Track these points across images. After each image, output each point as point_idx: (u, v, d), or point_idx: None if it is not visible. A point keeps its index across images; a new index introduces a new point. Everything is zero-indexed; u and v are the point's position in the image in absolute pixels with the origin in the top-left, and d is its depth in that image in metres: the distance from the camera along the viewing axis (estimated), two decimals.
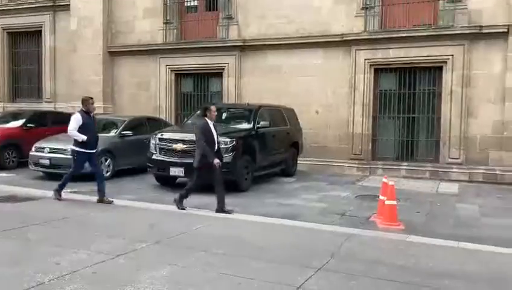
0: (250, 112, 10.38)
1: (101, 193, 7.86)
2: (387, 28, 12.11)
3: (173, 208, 7.55)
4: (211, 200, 7.86)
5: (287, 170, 11.47)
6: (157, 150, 9.55)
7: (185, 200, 7.54)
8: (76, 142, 7.73)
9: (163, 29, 14.54)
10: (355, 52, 12.31)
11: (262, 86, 13.25)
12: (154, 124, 11.98)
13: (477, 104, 11.36)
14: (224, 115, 10.60)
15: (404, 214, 7.54)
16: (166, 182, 9.85)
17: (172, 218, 7.01)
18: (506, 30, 10.89)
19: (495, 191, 10.22)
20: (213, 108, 7.65)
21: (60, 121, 14.34)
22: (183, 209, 7.42)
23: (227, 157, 8.88)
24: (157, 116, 13.88)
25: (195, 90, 14.61)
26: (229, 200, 8.50)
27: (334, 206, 8.33)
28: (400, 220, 7.00)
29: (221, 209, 7.36)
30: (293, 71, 13.02)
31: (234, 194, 8.98)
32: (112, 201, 7.84)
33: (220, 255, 5.15)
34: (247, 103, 11.35)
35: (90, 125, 7.77)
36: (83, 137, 7.62)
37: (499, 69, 11.13)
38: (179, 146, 9.19)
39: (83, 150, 7.75)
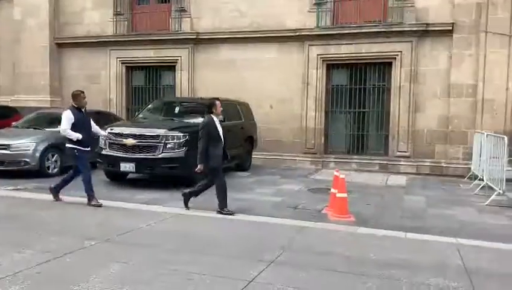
0: (203, 106, 10.23)
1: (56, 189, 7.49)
2: (339, 24, 12.35)
3: (124, 204, 7.38)
4: (162, 195, 7.75)
5: (242, 165, 11.47)
6: (107, 145, 9.28)
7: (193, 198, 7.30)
8: (71, 141, 7.17)
9: (113, 21, 14.14)
10: (308, 47, 12.46)
11: (216, 80, 13.16)
12: (104, 118, 11.60)
13: (424, 99, 11.78)
14: (177, 109, 10.45)
15: (355, 206, 7.72)
16: (117, 178, 9.60)
17: (122, 215, 6.83)
18: (450, 28, 11.34)
19: (440, 183, 10.66)
20: (218, 103, 7.23)
21: (4, 115, 13.64)
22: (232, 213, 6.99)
23: (180, 152, 8.78)
24: (108, 110, 13.50)
25: (147, 83, 14.33)
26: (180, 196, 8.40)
27: (288, 199, 8.41)
28: (350, 212, 7.16)
29: (221, 210, 7.03)
30: (247, 65, 13.01)
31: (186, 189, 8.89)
32: (101, 204, 7.25)
33: (172, 251, 5.08)
34: (201, 97, 11.25)
35: (83, 122, 7.26)
36: (77, 135, 7.06)
37: (445, 65, 11.59)
38: (130, 141, 8.97)
39: (80, 148, 7.17)
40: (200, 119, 9.89)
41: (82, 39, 14.55)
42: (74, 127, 7.10)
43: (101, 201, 7.33)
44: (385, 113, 12.27)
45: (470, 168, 10.78)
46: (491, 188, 8.79)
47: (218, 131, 7.08)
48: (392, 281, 4.40)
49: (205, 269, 4.49)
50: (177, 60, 13.63)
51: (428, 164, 11.76)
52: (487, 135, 9.47)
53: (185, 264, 4.65)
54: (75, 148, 7.16)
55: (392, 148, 12.07)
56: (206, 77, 13.43)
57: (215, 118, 7.13)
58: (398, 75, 11.84)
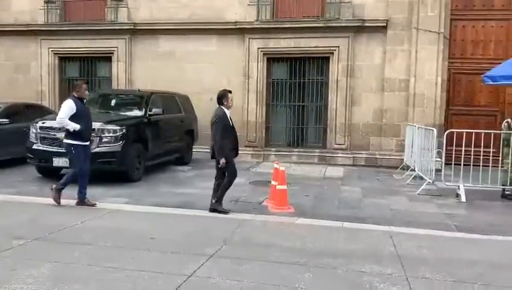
0: (141, 99, 10.01)
1: (82, 193, 6.87)
2: (279, 18, 12.44)
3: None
4: (98, 191, 7.48)
5: (182, 159, 11.32)
6: (39, 139, 8.80)
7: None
8: (70, 134, 6.64)
9: (44, 9, 13.41)
10: (249, 40, 12.47)
11: (155, 72, 12.86)
12: (34, 111, 11.02)
13: (360, 93, 12.17)
14: (113, 102, 10.13)
15: (295, 198, 7.85)
16: (49, 174, 9.15)
17: (55, 212, 6.52)
18: (385, 24, 11.76)
19: (375, 173, 11.08)
20: (230, 95, 6.80)
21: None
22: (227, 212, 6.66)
23: (116, 147, 8.51)
24: (40, 102, 12.81)
25: (82, 75, 13.72)
26: (120, 191, 8.18)
27: (229, 193, 8.33)
28: (290, 203, 7.27)
29: (215, 208, 6.69)
30: (187, 57, 12.82)
31: (125, 184, 8.65)
32: (95, 204, 6.86)
33: (108, 249, 4.91)
34: (138, 89, 10.94)
35: (85, 114, 6.81)
36: (75, 126, 6.54)
37: (379, 60, 12.01)
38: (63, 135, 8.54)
39: (78, 143, 6.67)
40: (137, 112, 9.72)
41: (9, 27, 13.68)
42: (74, 118, 6.60)
43: (28, 197, 6.96)
44: (323, 106, 12.55)
45: (402, 159, 11.27)
46: (421, 177, 9.24)
47: (231, 123, 6.75)
48: (329, 269, 4.51)
49: (143, 266, 4.38)
50: (114, 51, 13.17)
51: (364, 155, 12.18)
52: (418, 128, 9.95)
53: (122, 261, 4.51)
54: (73, 145, 6.66)
55: (330, 141, 12.39)
56: (144, 69, 13.09)
57: (226, 111, 6.72)
58: (336, 70, 12.13)
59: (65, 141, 6.81)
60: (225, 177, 6.70)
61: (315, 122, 12.77)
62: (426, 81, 11.55)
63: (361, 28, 11.93)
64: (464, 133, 8.55)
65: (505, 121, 8.85)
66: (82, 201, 6.83)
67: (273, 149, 12.62)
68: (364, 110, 12.21)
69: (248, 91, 12.56)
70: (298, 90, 12.66)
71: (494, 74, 8.32)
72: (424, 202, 8.12)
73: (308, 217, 6.81)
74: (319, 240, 5.54)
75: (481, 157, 8.21)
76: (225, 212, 6.67)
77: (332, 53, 12.16)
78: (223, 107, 6.73)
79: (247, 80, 12.56)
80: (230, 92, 6.90)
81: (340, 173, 10.96)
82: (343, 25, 11.87)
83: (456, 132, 8.99)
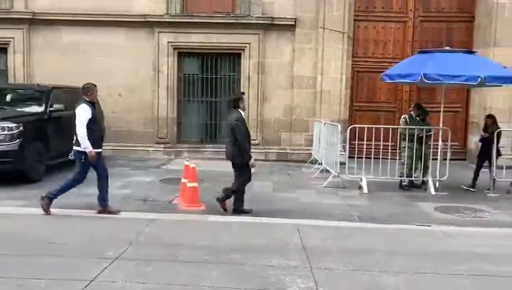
0: (41, 94, 9.35)
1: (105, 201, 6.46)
2: (189, 12, 12.25)
3: None
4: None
5: None
6: None
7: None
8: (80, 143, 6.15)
9: None
10: (158, 34, 12.14)
11: (59, 66, 12.03)
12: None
13: (270, 90, 12.38)
14: (9, 97, 9.35)
15: (207, 195, 7.77)
16: None
17: None
18: (293, 23, 12.07)
19: (286, 168, 11.37)
20: (244, 97, 7.05)
21: None
22: (249, 211, 6.80)
23: (13, 145, 7.89)
24: None
25: None
26: (18, 193, 7.61)
27: (138, 191, 8.14)
28: (201, 201, 7.22)
29: (238, 209, 6.82)
30: (93, 50, 12.16)
31: (25, 185, 8.04)
32: (119, 211, 6.47)
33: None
34: (37, 84, 10.18)
35: (97, 118, 6.50)
36: (90, 148, 6.10)
37: (289, 58, 12.31)
38: None
39: (96, 150, 6.25)
40: (36, 108, 9.07)
41: None
42: (90, 124, 6.21)
43: None
44: None
45: (311, 154, 11.68)
46: (328, 171, 9.65)
47: (247, 128, 6.96)
48: (237, 265, 4.54)
49: (40, 273, 4.10)
50: (9, 41, 12.14)
51: (275, 150, 12.45)
52: (324, 123, 10.37)
53: (15, 268, 4.18)
54: (85, 152, 6.18)
55: None
56: (45, 61, 12.22)
57: (242, 113, 6.84)
58: (247, 66, 12.24)
59: (75, 148, 6.35)
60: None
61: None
62: (332, 79, 12.05)
63: (271, 26, 12.13)
64: (366, 128, 9.07)
65: (403, 116, 9.51)
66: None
67: (186, 146, 12.46)
68: (275, 107, 12.46)
69: (158, 86, 12.24)
70: (210, 86, 12.58)
71: (391, 73, 8.88)
72: (330, 194, 8.48)
73: (220, 214, 6.81)
74: (229, 236, 5.56)
75: (381, 150, 8.75)
76: (249, 211, 6.86)
77: (244, 50, 12.25)
78: (239, 110, 6.83)
79: (157, 75, 12.23)
80: (243, 93, 7.39)
81: (252, 169, 11.07)
82: (253, 22, 11.99)
83: (358, 127, 9.52)
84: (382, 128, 8.95)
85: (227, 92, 12.60)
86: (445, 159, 9.03)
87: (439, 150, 8.92)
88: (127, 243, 5.04)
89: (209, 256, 4.77)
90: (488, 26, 11.86)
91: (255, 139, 12.32)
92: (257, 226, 6.16)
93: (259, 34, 12.12)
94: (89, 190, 8.09)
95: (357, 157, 9.34)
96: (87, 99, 6.45)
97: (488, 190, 8.89)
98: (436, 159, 8.92)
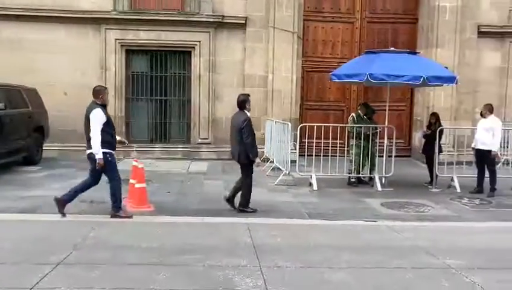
0: None
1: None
2: (137, 9, 11.98)
3: None
4: None
5: (31, 158, 10.30)
6: None
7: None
8: (102, 143, 6.03)
9: None
10: (105, 31, 11.79)
11: None
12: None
13: (222, 88, 12.32)
14: None
15: (156, 196, 7.69)
16: None
17: None
18: (244, 22, 12.07)
19: (238, 167, 11.29)
20: (250, 98, 7.22)
21: None
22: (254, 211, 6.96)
23: None
24: None
25: None
26: None
27: (84, 193, 7.84)
28: (150, 202, 7.09)
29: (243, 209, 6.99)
30: (37, 47, 11.62)
31: None
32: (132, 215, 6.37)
33: None
34: None
35: (112, 121, 6.37)
36: (100, 154, 6.06)
37: (240, 57, 12.30)
38: None
39: (112, 151, 6.26)
40: None
41: None
42: (106, 127, 6.13)
43: None
44: (187, 101, 12.46)
45: (263, 152, 11.73)
46: (279, 169, 9.73)
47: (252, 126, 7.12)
48: (186, 267, 4.48)
49: None
50: None
51: (227, 149, 12.27)
52: (276, 122, 10.45)
53: None
54: (108, 153, 6.15)
55: (194, 136, 12.37)
56: None
57: (248, 114, 7.04)
58: (198, 65, 12.12)
59: (90, 151, 6.18)
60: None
61: (178, 117, 12.62)
62: (283, 78, 12.15)
63: (221, 24, 12.07)
64: (315, 127, 9.22)
65: (351, 115, 9.76)
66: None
67: (135, 145, 12.14)
68: (227, 105, 12.36)
69: (105, 84, 11.84)
70: (160, 84, 12.37)
71: (339, 73, 9.07)
72: (281, 192, 8.56)
73: (169, 214, 6.71)
74: (178, 237, 5.48)
75: (330, 148, 8.92)
76: (254, 210, 6.98)
77: (194, 48, 12.12)
78: (245, 111, 7.02)
79: (104, 73, 11.88)
80: (249, 95, 7.33)
81: (204, 168, 11.02)
82: (203, 20, 11.89)
83: (308, 125, 9.67)
84: (331, 127, 9.11)
85: (178, 91, 12.46)
86: (391, 156, 9.34)
87: (385, 147, 9.20)
88: (71, 247, 4.85)
89: (157, 258, 4.69)
90: (430, 27, 12.36)
91: (206, 138, 12.30)
92: (207, 226, 6.11)
93: (209, 32, 12.03)
94: (30, 192, 7.79)
95: (308, 155, 9.51)
96: (99, 102, 6.30)
97: (431, 185, 9.27)
98: (382, 156, 9.20)
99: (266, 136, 11.52)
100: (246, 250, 5.03)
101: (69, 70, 11.76)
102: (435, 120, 9.54)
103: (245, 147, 6.90)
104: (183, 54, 12.39)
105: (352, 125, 9.22)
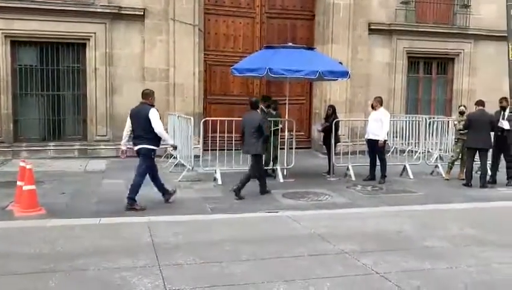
0: None
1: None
2: None
3: None
4: None
5: None
6: None
7: None
8: (151, 140, 6.94)
9: None
10: None
11: None
12: None
13: (121, 82, 11.81)
14: None
15: (48, 198, 7.20)
16: None
17: None
18: (142, 13, 11.65)
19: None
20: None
21: None
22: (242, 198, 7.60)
23: None
24: None
25: None
26: None
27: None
28: (42, 204, 6.60)
29: (265, 192, 7.99)
30: None
31: None
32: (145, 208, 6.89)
33: None
34: None
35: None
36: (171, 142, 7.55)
37: (139, 49, 11.86)
38: None
39: (156, 148, 7.14)
40: None
41: None
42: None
43: None
44: (82, 96, 11.77)
45: (166, 148, 11.44)
46: (183, 165, 9.57)
47: None
48: (79, 272, 4.22)
49: None
50: None
51: (129, 146, 11.91)
52: (178, 117, 10.25)
53: None
54: (153, 150, 7.09)
55: (91, 133, 11.73)
56: None
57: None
58: (93, 57, 11.48)
59: (145, 146, 6.98)
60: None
61: (73, 112, 11.88)
62: (185, 72, 11.95)
63: (118, 16, 11.55)
64: (218, 121, 9.19)
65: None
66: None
67: (24, 144, 11.25)
68: (127, 100, 11.83)
69: None
70: (52, 79, 11.52)
71: (240, 67, 9.13)
72: (184, 188, 8.42)
73: (63, 217, 6.31)
74: (72, 241, 5.14)
75: (233, 142, 8.95)
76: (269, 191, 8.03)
77: (89, 40, 11.46)
78: (258, 111, 8.27)
79: None
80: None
81: (102, 166, 10.51)
82: (98, 10, 11.26)
83: (211, 119, 9.62)
84: (234, 121, 9.14)
85: (72, 85, 11.73)
86: (292, 148, 9.63)
87: (286, 140, 9.46)
88: None
89: (47, 265, 4.35)
90: (326, 24, 12.93)
91: (105, 135, 11.74)
92: (104, 227, 5.81)
93: (105, 23, 11.46)
94: None
95: (212, 150, 9.46)
96: (149, 103, 7.10)
97: (328, 174, 9.73)
98: (284, 148, 9.45)
99: (169, 130, 11.23)
100: (145, 250, 4.85)
101: None
102: (331, 112, 10.00)
103: (261, 141, 7.86)
104: (78, 46, 11.67)
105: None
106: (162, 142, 7.33)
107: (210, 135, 10.46)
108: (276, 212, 6.75)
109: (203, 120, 9.46)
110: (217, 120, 9.32)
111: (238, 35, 13.01)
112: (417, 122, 11.30)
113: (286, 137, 9.47)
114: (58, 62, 11.54)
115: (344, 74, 9.11)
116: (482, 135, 8.81)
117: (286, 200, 7.73)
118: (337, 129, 9.78)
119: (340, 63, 10.35)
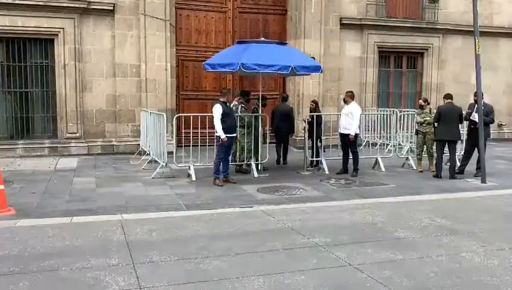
0: None
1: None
2: None
3: None
4: None
5: None
6: None
7: None
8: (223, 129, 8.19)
9: None
10: None
11: None
12: None
13: (91, 78, 11.61)
14: None
15: (18, 198, 7.03)
16: None
17: None
18: (112, 8, 11.45)
19: (112, 161, 10.84)
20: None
21: None
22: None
23: None
24: None
25: None
26: None
27: None
28: (11, 205, 6.45)
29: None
30: None
31: None
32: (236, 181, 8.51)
33: None
34: None
35: (229, 113, 8.44)
36: (220, 132, 8.21)
37: (109, 45, 11.67)
38: None
39: (228, 135, 8.26)
40: None
41: None
42: (223, 117, 8.22)
43: None
44: (51, 93, 11.51)
45: (139, 145, 11.33)
46: (157, 161, 9.47)
47: None
48: (50, 272, 4.13)
49: None
50: None
51: (99, 143, 11.77)
52: (150, 113, 10.13)
53: None
54: (218, 137, 8.25)
55: (61, 130, 11.49)
56: None
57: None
58: (62, 53, 11.23)
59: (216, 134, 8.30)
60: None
61: (42, 110, 11.61)
62: (157, 67, 11.81)
63: (87, 10, 11.32)
64: (191, 117, 9.13)
65: (233, 104, 9.80)
66: (228, 180, 8.58)
67: None
68: (97, 96, 11.74)
69: None
70: (19, 75, 11.23)
71: (212, 62, 9.06)
72: (158, 185, 8.35)
73: (33, 217, 6.16)
74: (43, 241, 5.03)
75: (207, 138, 8.91)
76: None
77: (57, 35, 11.20)
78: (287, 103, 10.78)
79: None
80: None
81: (73, 164, 10.31)
82: (65, 5, 11.01)
83: (184, 115, 9.54)
84: (207, 117, 9.08)
85: (41, 82, 11.46)
86: (265, 143, 9.65)
87: (259, 135, 9.47)
88: None
89: (16, 267, 4.24)
90: (298, 19, 12.99)
91: (75, 132, 11.54)
92: (76, 226, 5.70)
93: (74, 18, 11.23)
94: None
95: (185, 146, 9.38)
96: (222, 100, 8.42)
97: (317, 166, 9.80)
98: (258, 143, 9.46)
99: (141, 127, 11.13)
100: (118, 248, 4.79)
101: None
102: (314, 107, 10.16)
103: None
104: (45, 42, 11.40)
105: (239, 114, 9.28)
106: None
107: (183, 130, 10.39)
108: (251, 207, 6.76)
109: (176, 116, 9.38)
110: (190, 116, 9.26)
111: (211, 30, 12.93)
112: (388, 115, 11.49)
113: (260, 132, 9.48)
114: (26, 58, 11.25)
115: (317, 69, 9.17)
116: (451, 127, 9.02)
117: (261, 194, 7.75)
118: (319, 123, 9.87)
119: (313, 57, 10.43)
